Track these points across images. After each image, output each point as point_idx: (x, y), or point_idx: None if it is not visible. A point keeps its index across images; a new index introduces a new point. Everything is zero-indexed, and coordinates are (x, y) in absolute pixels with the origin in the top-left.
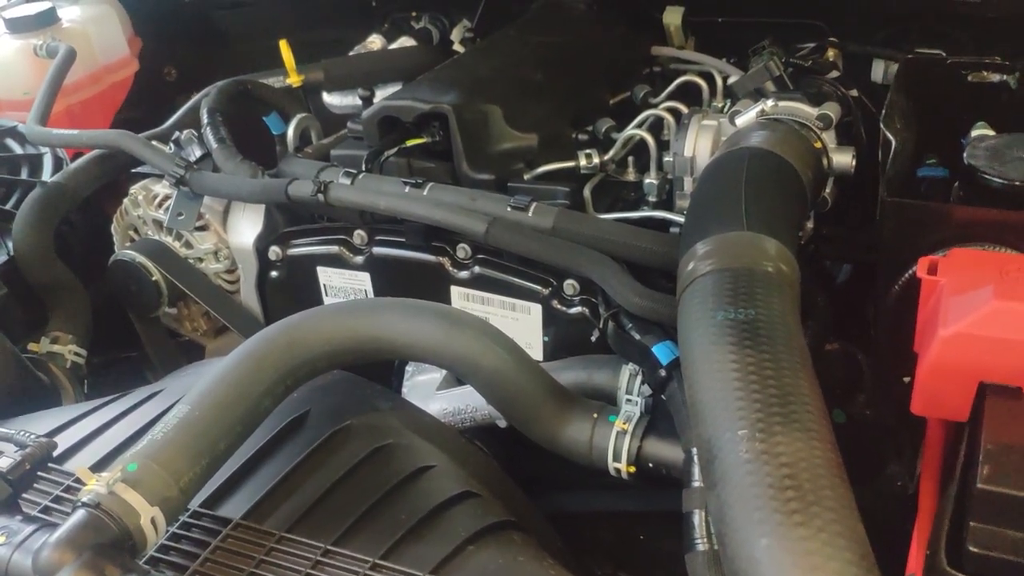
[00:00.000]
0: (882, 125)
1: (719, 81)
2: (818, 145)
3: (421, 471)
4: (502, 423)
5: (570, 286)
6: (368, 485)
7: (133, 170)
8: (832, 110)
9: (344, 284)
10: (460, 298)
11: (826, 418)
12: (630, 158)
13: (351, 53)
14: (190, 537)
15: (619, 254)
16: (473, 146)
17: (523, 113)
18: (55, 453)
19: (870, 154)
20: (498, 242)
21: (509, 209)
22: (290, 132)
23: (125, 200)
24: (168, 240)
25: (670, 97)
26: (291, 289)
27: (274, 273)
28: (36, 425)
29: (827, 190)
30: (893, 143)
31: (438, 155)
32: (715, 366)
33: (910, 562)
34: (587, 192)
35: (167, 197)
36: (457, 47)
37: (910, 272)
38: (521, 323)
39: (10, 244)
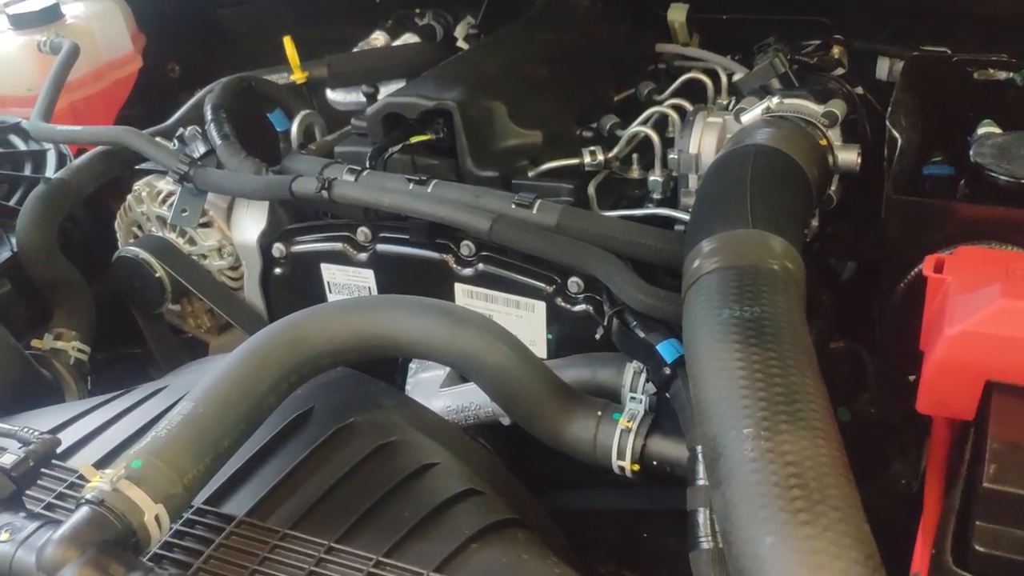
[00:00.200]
0: (888, 122)
1: (724, 78)
2: (823, 142)
3: (425, 468)
4: (506, 421)
5: (574, 283)
6: (372, 482)
7: (137, 166)
8: (838, 107)
9: (348, 281)
10: (464, 295)
11: (832, 417)
12: (635, 155)
13: (355, 50)
14: (194, 534)
15: (624, 251)
16: (477, 143)
17: (527, 110)
18: (58, 450)
19: (875, 152)
20: (502, 239)
21: (513, 206)
22: (294, 129)
23: (129, 196)
24: (172, 237)
25: (675, 94)
26: (295, 286)
27: (278, 270)
28: (39, 422)
29: (832, 188)
30: (899, 140)
31: (442, 152)
32: (720, 364)
33: (915, 561)
34: (591, 189)
35: (171, 193)
36: (461, 44)
37: (916, 270)
38: (525, 320)
39: (14, 240)
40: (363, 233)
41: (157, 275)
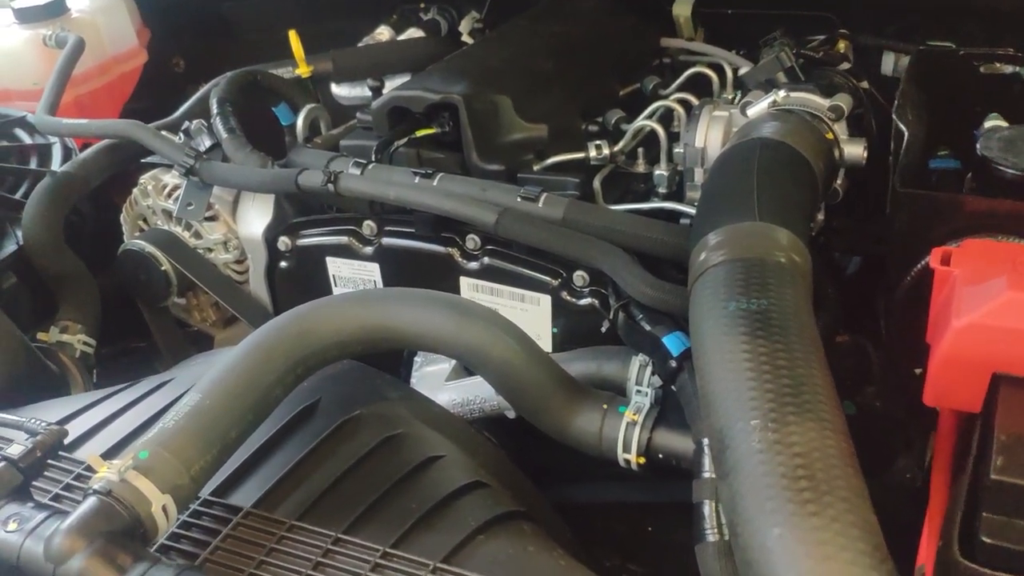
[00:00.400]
0: (894, 116)
1: (729, 73)
2: (830, 136)
3: (431, 461)
4: (511, 414)
5: (580, 277)
6: (378, 474)
7: (143, 160)
8: (844, 101)
9: (353, 275)
10: (469, 289)
11: (839, 408)
12: (640, 149)
13: (359, 44)
14: (201, 525)
15: (629, 245)
16: (483, 136)
17: (533, 104)
18: (66, 441)
19: (880, 147)
20: (508, 233)
21: (519, 200)
22: (299, 123)
23: (134, 190)
24: (177, 230)
25: (680, 88)
26: (300, 279)
27: (283, 263)
28: (46, 413)
29: (838, 181)
30: (905, 134)
31: (448, 146)
32: (727, 356)
33: (920, 554)
34: (597, 183)
35: (176, 187)
36: (466, 38)
37: (922, 263)
38: (530, 314)
39: (20, 234)
40: (369, 227)
41: (163, 268)
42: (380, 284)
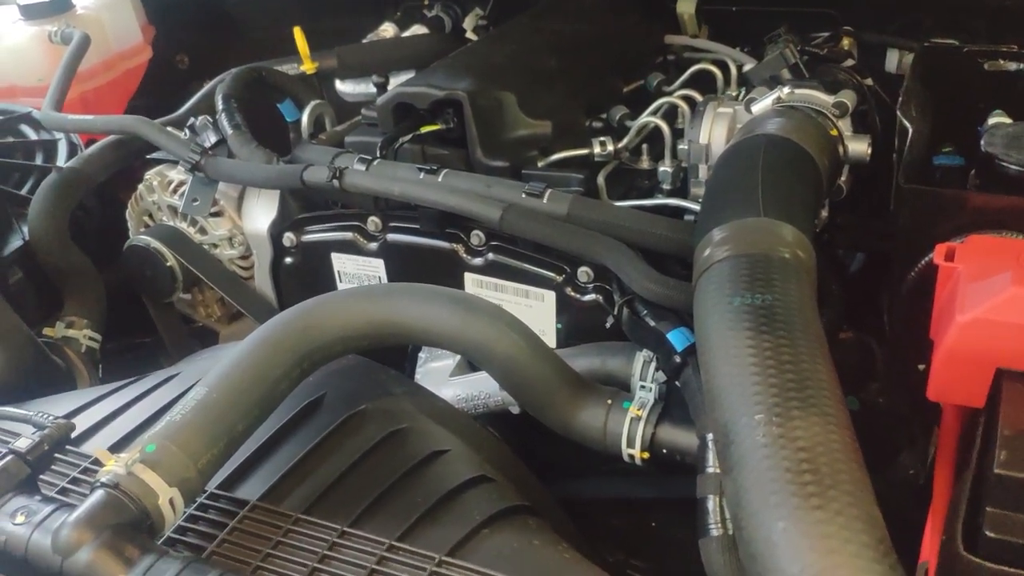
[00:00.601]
0: (899, 112)
1: (733, 69)
2: (834, 133)
3: (436, 455)
4: (515, 409)
5: (584, 273)
6: (383, 469)
7: (148, 156)
8: (848, 98)
9: (358, 270)
10: (474, 285)
11: (843, 403)
12: (644, 146)
13: (364, 41)
14: (207, 518)
15: (634, 241)
16: (487, 133)
17: (537, 100)
18: (73, 435)
19: (884, 143)
20: (513, 228)
21: (524, 196)
22: (304, 119)
23: (140, 186)
24: (183, 226)
25: (684, 85)
26: (305, 275)
27: (288, 259)
28: (53, 408)
29: (842, 178)
30: (909, 130)
31: (452, 142)
32: (732, 351)
33: (923, 550)
34: (601, 179)
35: (182, 183)
36: (470, 35)
37: (926, 259)
38: (535, 310)
39: (26, 229)
40: (373, 223)
41: (168, 264)
42: (385, 280)
